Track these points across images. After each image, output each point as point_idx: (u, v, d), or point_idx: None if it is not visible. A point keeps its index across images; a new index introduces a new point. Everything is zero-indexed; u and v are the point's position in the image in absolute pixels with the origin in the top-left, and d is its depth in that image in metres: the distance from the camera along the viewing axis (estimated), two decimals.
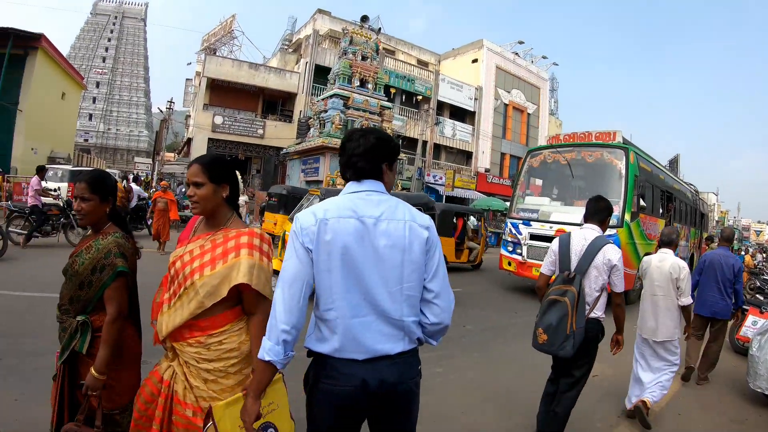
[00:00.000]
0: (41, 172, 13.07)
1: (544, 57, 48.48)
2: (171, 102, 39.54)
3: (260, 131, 32.53)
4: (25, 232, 11.91)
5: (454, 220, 15.62)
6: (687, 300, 4.89)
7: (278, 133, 32.53)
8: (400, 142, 30.17)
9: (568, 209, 11.34)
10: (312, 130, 26.02)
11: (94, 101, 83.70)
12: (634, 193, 10.59)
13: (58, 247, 12.10)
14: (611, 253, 3.79)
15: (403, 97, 36.45)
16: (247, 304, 2.29)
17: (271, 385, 2.07)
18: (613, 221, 10.05)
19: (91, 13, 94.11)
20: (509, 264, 12.11)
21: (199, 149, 31.27)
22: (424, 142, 32.65)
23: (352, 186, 2.10)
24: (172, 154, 45.74)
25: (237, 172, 2.52)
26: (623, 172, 10.66)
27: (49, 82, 29.72)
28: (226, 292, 2.19)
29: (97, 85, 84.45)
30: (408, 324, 2.00)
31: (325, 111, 24.63)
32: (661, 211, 13.05)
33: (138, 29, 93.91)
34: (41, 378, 4.40)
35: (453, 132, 38.77)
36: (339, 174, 23.44)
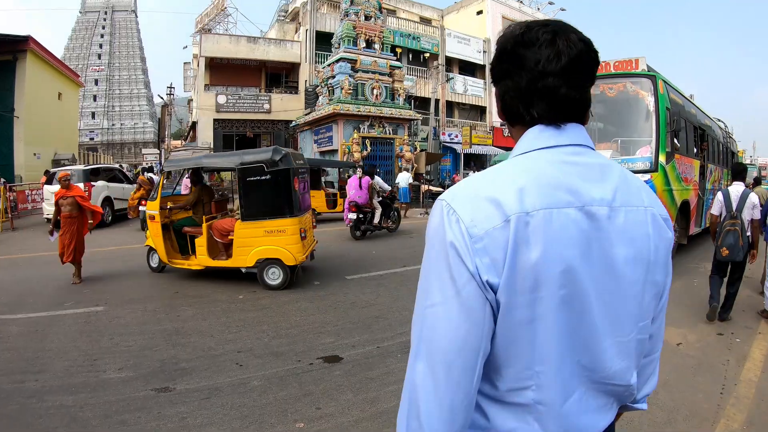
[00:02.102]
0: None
1: (550, 2, 46.74)
2: (171, 87, 38.68)
3: (266, 106, 31.58)
4: None
5: None
6: None
7: (285, 106, 31.52)
8: (412, 103, 29.14)
9: None
10: (321, 98, 25.09)
11: (95, 99, 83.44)
12: (667, 129, 8.96)
13: None
14: (753, 198, 6.29)
15: (410, 56, 34.96)
16: None
17: None
18: (645, 164, 8.78)
19: (80, 12, 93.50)
20: None
21: (204, 132, 30.66)
22: (437, 101, 31.53)
23: (543, 135, 1.12)
24: (179, 141, 44.94)
25: None
26: (652, 105, 8.98)
27: (42, 85, 29.18)
28: None
29: (96, 82, 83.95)
30: (633, 387, 1.15)
31: (333, 77, 23.71)
32: (695, 150, 11.24)
33: (129, 21, 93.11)
34: (53, 424, 3.76)
35: (464, 88, 37.36)
36: (355, 141, 23.21)
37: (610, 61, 10.03)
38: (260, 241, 7.88)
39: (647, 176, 8.57)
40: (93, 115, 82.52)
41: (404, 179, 19.81)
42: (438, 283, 0.99)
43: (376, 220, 13.51)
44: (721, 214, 6.41)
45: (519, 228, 0.95)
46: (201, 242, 8.35)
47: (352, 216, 13.01)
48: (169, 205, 9.13)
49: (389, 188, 14.27)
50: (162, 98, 39.59)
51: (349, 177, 18.41)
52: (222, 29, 39.56)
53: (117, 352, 5.25)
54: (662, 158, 8.81)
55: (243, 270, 8.14)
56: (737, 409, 3.97)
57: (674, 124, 9.18)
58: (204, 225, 8.42)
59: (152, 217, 8.65)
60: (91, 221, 8.78)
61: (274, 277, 7.91)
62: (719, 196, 6.46)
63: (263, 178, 7.78)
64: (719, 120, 16.32)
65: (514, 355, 1.01)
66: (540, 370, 1.01)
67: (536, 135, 1.11)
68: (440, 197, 1.05)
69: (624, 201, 1.07)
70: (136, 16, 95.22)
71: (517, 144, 1.14)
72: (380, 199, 13.84)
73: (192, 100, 42.19)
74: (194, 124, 35.58)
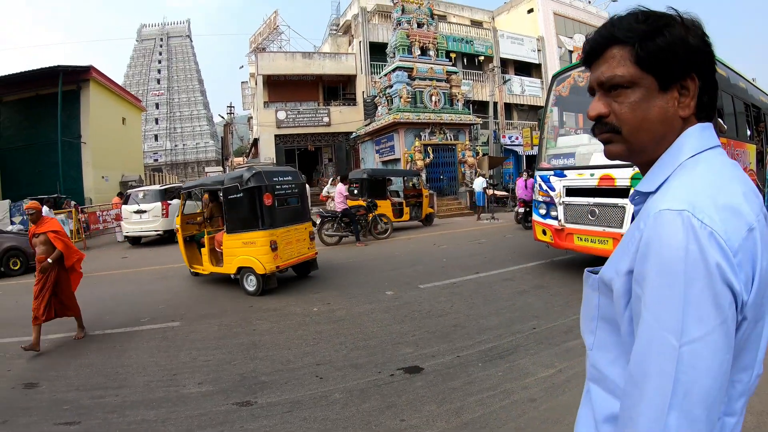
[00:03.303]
0: (345, 179, 14.70)
1: None
2: (231, 107, 39.67)
3: (326, 119, 31.86)
4: (338, 233, 14.33)
5: None
6: None
7: (344, 118, 31.68)
8: (470, 108, 28.92)
9: None
10: (380, 108, 25.20)
11: (156, 122, 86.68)
12: None
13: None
14: None
15: (465, 61, 34.59)
16: None
17: None
18: None
19: (137, 40, 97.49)
20: (544, 233, 9.15)
21: (266, 148, 31.26)
22: (495, 104, 31.16)
23: (705, 134, 1.07)
24: (240, 158, 45.94)
25: None
26: None
27: (106, 111, 30.63)
28: None
29: (157, 106, 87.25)
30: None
31: (390, 86, 23.83)
32: (748, 132, 9.66)
33: (185, 46, 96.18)
34: None
35: (522, 88, 36.66)
36: (417, 149, 23.14)
37: None
38: (239, 251, 8.67)
39: None
40: (156, 137, 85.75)
41: (479, 184, 20.09)
42: (695, 314, 0.86)
43: None
44: None
45: (761, 236, 0.91)
46: (205, 252, 9.54)
47: (520, 210, 15.73)
48: (198, 219, 10.58)
49: None
50: (223, 117, 40.73)
51: (413, 185, 18.91)
52: (276, 47, 40.32)
53: (195, 367, 5.27)
54: None
55: (232, 276, 8.96)
56: None
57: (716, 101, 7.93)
58: (206, 237, 9.59)
59: (176, 231, 10.28)
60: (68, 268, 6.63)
61: (251, 283, 8.56)
62: None
63: (238, 195, 8.64)
64: None
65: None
66: (738, 379, 0.96)
67: (700, 134, 1.05)
68: (669, 208, 0.92)
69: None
70: (191, 41, 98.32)
71: (680, 143, 1.05)
72: None
73: (252, 117, 43.09)
74: (256, 141, 36.37)
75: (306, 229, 9.45)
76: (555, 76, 9.62)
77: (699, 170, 0.99)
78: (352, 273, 9.99)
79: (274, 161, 30.54)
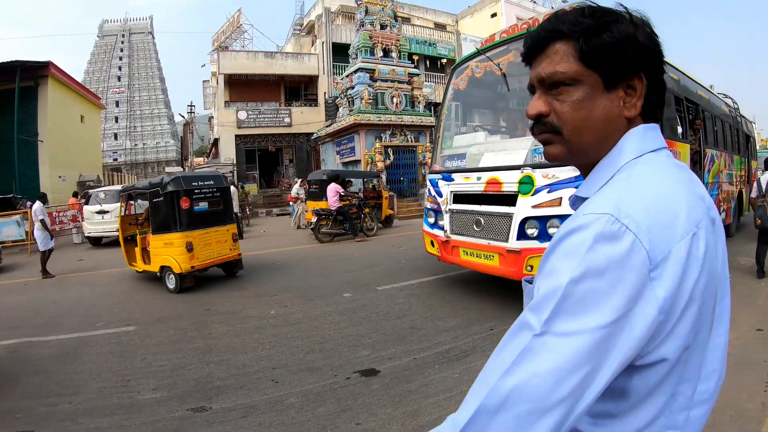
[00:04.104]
0: (337, 179, 14.88)
1: (564, 0, 46.51)
2: (192, 106, 39.04)
3: (287, 120, 31.67)
4: (333, 231, 14.77)
5: None
6: None
7: (306, 119, 31.57)
8: (432, 110, 29.08)
9: (507, 144, 7.24)
10: (341, 109, 25.16)
11: (116, 120, 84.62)
12: None
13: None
14: None
15: (427, 63, 34.89)
16: None
17: None
18: None
19: (98, 36, 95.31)
20: (432, 244, 8.04)
21: (226, 148, 30.89)
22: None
23: (648, 136, 1.00)
24: (201, 159, 45.32)
25: None
26: None
27: (64, 108, 29.63)
28: None
29: (117, 104, 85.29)
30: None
31: (352, 87, 23.81)
32: (681, 130, 8.57)
33: (147, 43, 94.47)
34: None
35: None
36: (378, 151, 23.20)
37: (547, 13, 7.41)
38: (162, 251, 9.14)
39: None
40: (115, 136, 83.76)
41: None
42: (575, 309, 0.78)
43: None
44: (757, 196, 8.30)
45: (695, 245, 0.84)
46: (137, 250, 10.17)
47: None
48: (139, 220, 10.83)
49: None
50: (183, 117, 40.03)
51: (373, 186, 18.88)
52: (239, 46, 39.92)
53: (150, 372, 5.18)
54: None
55: (158, 274, 9.37)
56: None
57: None
58: (138, 237, 10.18)
59: (117, 230, 11.07)
60: None
61: (171, 281, 9.01)
62: (755, 184, 8.41)
63: (160, 199, 9.12)
64: (726, 96, 13.68)
65: (661, 388, 0.88)
66: (679, 391, 0.89)
67: (642, 136, 0.98)
68: (591, 211, 0.85)
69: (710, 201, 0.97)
70: (153, 38, 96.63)
71: (621, 146, 0.98)
72: None
73: (212, 117, 42.59)
74: (216, 140, 35.91)
75: (228, 231, 9.74)
76: (454, 69, 8.52)
77: (635, 174, 0.93)
78: (310, 275, 9.93)
79: (235, 161, 30.19)
